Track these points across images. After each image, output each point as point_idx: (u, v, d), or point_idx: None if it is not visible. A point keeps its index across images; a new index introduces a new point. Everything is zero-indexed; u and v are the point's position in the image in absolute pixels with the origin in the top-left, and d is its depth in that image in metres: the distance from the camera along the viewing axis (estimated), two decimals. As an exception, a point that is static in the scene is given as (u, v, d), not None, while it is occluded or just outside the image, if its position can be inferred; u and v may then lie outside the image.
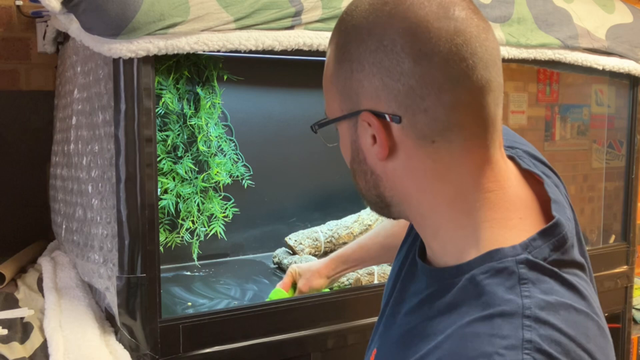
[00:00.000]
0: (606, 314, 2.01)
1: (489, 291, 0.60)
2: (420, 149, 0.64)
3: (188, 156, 1.52)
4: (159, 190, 1.32)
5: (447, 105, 0.62)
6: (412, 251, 0.80)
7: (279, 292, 1.28)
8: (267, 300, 1.28)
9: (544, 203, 0.67)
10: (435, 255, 0.70)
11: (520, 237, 0.62)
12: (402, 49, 0.62)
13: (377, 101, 0.64)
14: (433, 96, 0.62)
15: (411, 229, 0.86)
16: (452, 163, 0.64)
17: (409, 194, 0.68)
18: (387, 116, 0.64)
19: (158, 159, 1.44)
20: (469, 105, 0.63)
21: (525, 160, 0.72)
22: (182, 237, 1.54)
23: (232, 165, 1.61)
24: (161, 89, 1.45)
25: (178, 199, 1.52)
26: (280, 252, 1.63)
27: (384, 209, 0.72)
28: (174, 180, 1.51)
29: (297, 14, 1.20)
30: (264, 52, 1.17)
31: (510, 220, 0.64)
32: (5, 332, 1.18)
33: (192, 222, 1.54)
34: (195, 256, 1.56)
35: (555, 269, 0.61)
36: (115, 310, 1.15)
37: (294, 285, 1.29)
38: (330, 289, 1.34)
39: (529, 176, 0.70)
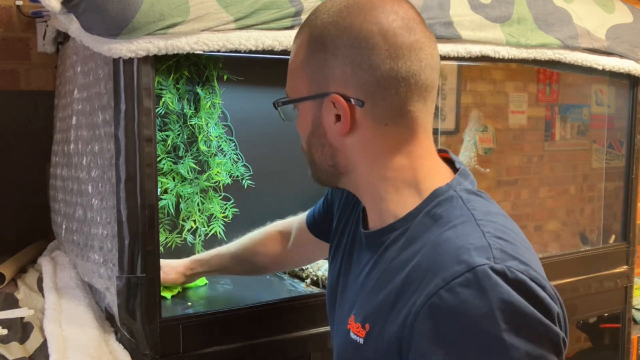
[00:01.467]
0: (606, 314, 2.02)
1: (444, 214, 0.78)
2: (375, 129, 0.81)
3: (189, 156, 1.52)
4: (159, 190, 1.32)
5: (401, 97, 0.79)
6: (345, 237, 0.98)
7: None
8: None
9: (451, 164, 0.88)
10: (384, 216, 0.85)
11: (447, 181, 0.82)
12: (373, 48, 0.78)
13: (345, 87, 0.80)
14: (392, 89, 0.79)
15: (335, 227, 1.03)
16: (400, 141, 0.82)
17: (362, 165, 0.84)
18: (353, 100, 0.80)
19: (158, 159, 1.44)
20: (417, 98, 0.81)
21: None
22: (185, 238, 1.54)
23: (232, 165, 1.61)
24: (161, 89, 1.45)
25: (179, 199, 1.52)
26: (280, 252, 1.63)
27: (334, 176, 0.88)
28: (174, 180, 1.51)
29: (297, 14, 1.20)
30: (264, 52, 1.17)
31: (439, 173, 0.84)
32: (5, 332, 1.18)
33: (194, 222, 1.54)
34: (196, 256, 1.56)
35: (480, 193, 0.83)
36: (115, 310, 1.15)
37: None
38: (184, 288, 1.41)
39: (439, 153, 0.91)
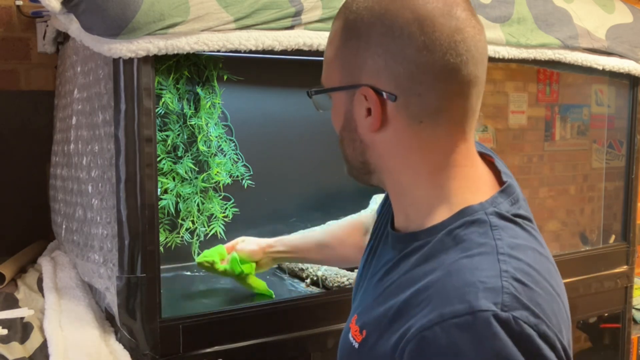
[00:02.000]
0: (606, 314, 2.02)
1: (466, 238, 0.70)
2: (408, 126, 0.74)
3: (188, 156, 1.52)
4: (159, 190, 1.32)
5: (438, 92, 0.72)
6: (378, 233, 0.91)
7: (220, 247, 1.35)
8: (202, 256, 1.33)
9: (496, 175, 0.80)
10: (410, 221, 0.79)
11: (484, 198, 0.74)
12: (408, 37, 0.70)
13: (377, 79, 0.73)
14: (428, 83, 0.71)
15: (376, 219, 0.97)
16: (435, 142, 0.75)
17: (392, 165, 0.78)
18: (384, 94, 0.73)
19: (158, 159, 1.44)
20: (457, 95, 0.73)
21: (477, 146, 0.83)
22: (182, 237, 1.54)
23: (232, 165, 1.61)
24: (161, 89, 1.45)
25: (178, 199, 1.52)
26: (280, 252, 1.63)
27: (365, 174, 0.82)
28: (174, 180, 1.51)
29: (297, 14, 1.20)
30: (264, 52, 1.17)
31: (475, 187, 0.76)
32: (5, 332, 1.18)
33: (192, 222, 1.54)
34: (195, 255, 1.56)
35: (517, 219, 0.74)
36: (115, 310, 1.15)
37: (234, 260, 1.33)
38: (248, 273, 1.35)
39: (483, 157, 0.83)
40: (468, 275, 0.66)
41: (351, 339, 0.80)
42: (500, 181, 0.79)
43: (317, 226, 1.35)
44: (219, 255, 1.33)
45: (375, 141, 0.77)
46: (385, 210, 0.94)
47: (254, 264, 1.34)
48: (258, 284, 1.36)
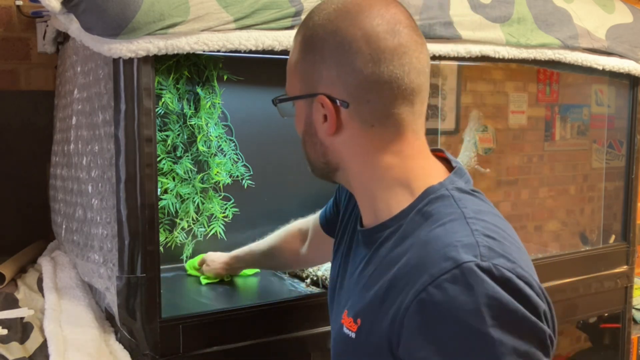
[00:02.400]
0: (606, 314, 2.02)
1: (435, 212, 0.79)
2: (361, 130, 0.83)
3: (188, 156, 1.52)
4: (158, 190, 1.32)
5: (385, 100, 0.81)
6: (347, 236, 0.99)
7: (197, 257, 1.54)
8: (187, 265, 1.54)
9: (447, 163, 0.89)
10: (378, 215, 0.86)
11: (440, 180, 0.83)
12: (356, 52, 0.79)
13: (332, 88, 0.82)
14: (375, 92, 0.80)
15: (339, 225, 1.05)
16: (387, 142, 0.83)
17: (352, 164, 0.86)
18: (338, 101, 0.82)
19: (158, 159, 1.44)
20: (402, 102, 0.81)
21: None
22: (177, 236, 1.54)
23: (232, 165, 1.61)
24: (161, 89, 1.45)
25: (178, 199, 1.52)
26: (280, 252, 1.63)
27: (329, 173, 0.90)
28: (173, 180, 1.51)
29: (297, 14, 1.20)
30: (264, 52, 1.17)
31: (430, 172, 0.85)
32: (5, 332, 1.18)
33: (188, 222, 1.54)
34: (184, 256, 1.56)
35: (474, 192, 0.84)
36: (115, 310, 1.15)
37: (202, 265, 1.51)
38: (224, 279, 1.50)
39: (434, 153, 0.91)
40: (445, 238, 0.74)
41: (346, 331, 0.84)
42: (450, 168, 0.88)
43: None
44: (193, 266, 1.54)
45: (333, 143, 0.85)
46: (348, 214, 1.03)
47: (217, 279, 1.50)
48: (246, 272, 1.55)
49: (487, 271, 0.70)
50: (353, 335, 0.82)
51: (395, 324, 0.74)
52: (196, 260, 1.52)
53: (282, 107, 0.92)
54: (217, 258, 1.47)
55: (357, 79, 0.80)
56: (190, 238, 1.56)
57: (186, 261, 1.56)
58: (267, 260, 1.39)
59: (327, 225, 1.20)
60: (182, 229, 1.54)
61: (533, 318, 0.70)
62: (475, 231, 0.74)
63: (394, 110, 0.81)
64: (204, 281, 1.47)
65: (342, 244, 1.01)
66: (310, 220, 1.30)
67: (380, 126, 0.82)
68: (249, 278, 1.53)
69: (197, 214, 1.55)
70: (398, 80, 0.80)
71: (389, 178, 0.84)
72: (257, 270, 1.55)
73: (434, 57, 1.39)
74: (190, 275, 1.52)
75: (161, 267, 1.16)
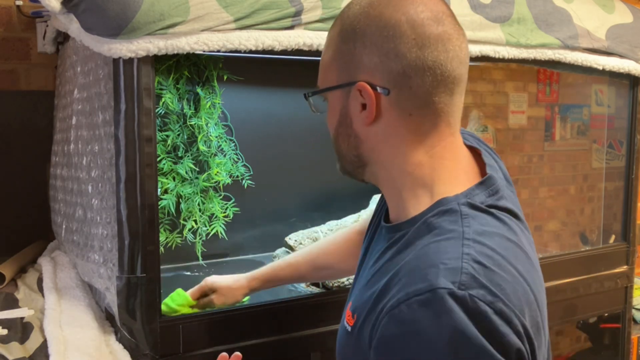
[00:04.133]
0: (606, 314, 2.02)
1: (438, 226, 0.76)
2: (399, 119, 0.81)
3: (188, 156, 1.52)
4: (159, 190, 1.32)
5: (427, 87, 0.79)
6: (374, 228, 0.97)
7: (180, 292, 1.23)
8: (165, 302, 1.21)
9: (483, 168, 0.85)
10: (400, 212, 0.84)
11: (462, 190, 0.80)
12: (400, 36, 0.77)
13: (372, 75, 0.80)
14: (418, 77, 0.78)
15: (372, 216, 1.02)
16: (422, 134, 0.81)
17: (383, 157, 0.84)
18: (378, 88, 0.80)
19: (158, 159, 1.44)
20: (443, 90, 0.79)
21: (469, 140, 0.91)
22: (185, 237, 1.54)
23: (232, 165, 1.61)
24: (161, 89, 1.45)
25: (180, 199, 1.52)
26: (280, 252, 1.62)
27: (358, 168, 0.87)
28: (174, 180, 1.51)
29: (297, 14, 1.20)
30: (264, 52, 1.17)
31: (456, 179, 0.81)
32: (5, 332, 1.18)
33: (195, 222, 1.54)
34: (199, 254, 1.56)
35: (491, 209, 0.79)
36: (115, 310, 1.15)
37: (203, 296, 1.25)
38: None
39: (472, 151, 0.89)
40: (433, 257, 0.72)
41: (345, 324, 0.85)
42: (484, 173, 0.84)
43: (312, 244, 1.32)
44: (187, 304, 1.23)
45: (369, 134, 0.83)
46: (380, 206, 1.00)
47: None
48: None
49: (460, 300, 0.67)
50: (349, 328, 0.83)
51: (374, 328, 0.75)
52: (182, 297, 1.22)
53: (315, 101, 0.89)
54: (232, 283, 1.26)
55: (401, 63, 0.78)
56: (198, 238, 1.56)
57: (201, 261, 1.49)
58: (319, 272, 1.29)
59: None
60: (189, 229, 1.54)
61: (498, 356, 0.67)
62: (466, 255, 0.71)
63: (434, 98, 0.79)
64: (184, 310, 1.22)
65: (367, 236, 1.00)
66: (365, 221, 1.23)
67: (418, 115, 0.80)
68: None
69: (200, 214, 1.55)
70: (441, 66, 0.78)
71: (416, 176, 0.82)
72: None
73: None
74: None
75: (161, 267, 1.16)
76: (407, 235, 0.80)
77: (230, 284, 1.26)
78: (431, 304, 0.68)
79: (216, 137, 1.56)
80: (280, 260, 1.30)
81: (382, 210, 0.97)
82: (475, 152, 0.88)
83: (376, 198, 1.53)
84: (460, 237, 0.74)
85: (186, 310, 1.21)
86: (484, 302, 0.68)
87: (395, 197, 0.85)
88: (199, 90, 1.52)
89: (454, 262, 0.70)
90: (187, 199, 1.53)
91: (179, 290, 1.23)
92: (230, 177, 1.60)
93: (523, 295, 0.72)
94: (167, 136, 1.49)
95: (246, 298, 1.29)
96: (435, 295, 0.68)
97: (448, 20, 0.80)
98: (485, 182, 0.81)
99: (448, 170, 0.82)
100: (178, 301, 1.21)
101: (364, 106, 0.81)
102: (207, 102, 1.53)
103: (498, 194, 0.82)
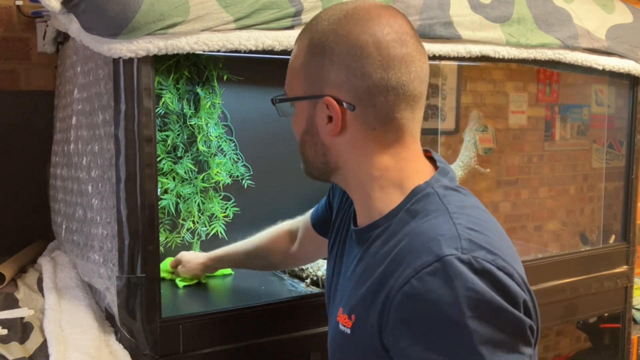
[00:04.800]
0: (606, 314, 2.02)
1: (421, 210, 0.83)
2: (363, 132, 0.86)
3: (188, 156, 1.52)
4: (159, 190, 1.32)
5: (390, 104, 0.84)
6: (341, 236, 1.02)
7: (166, 261, 1.48)
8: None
9: (433, 163, 0.93)
10: (371, 213, 0.89)
11: (426, 179, 0.87)
12: (367, 57, 0.83)
13: (338, 91, 0.85)
14: (382, 96, 0.84)
15: (333, 229, 1.08)
16: (385, 144, 0.87)
17: (351, 164, 0.89)
18: (344, 104, 0.85)
19: (158, 159, 1.44)
20: (405, 107, 0.85)
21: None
22: (183, 237, 1.54)
23: (232, 165, 1.61)
24: (161, 89, 1.45)
25: (178, 199, 1.52)
26: (280, 252, 1.63)
27: (326, 173, 0.92)
28: (174, 180, 1.51)
29: (297, 14, 1.20)
30: (264, 52, 1.17)
31: (421, 174, 0.88)
32: (5, 332, 1.18)
33: (193, 222, 1.54)
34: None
35: (458, 189, 0.87)
36: (115, 310, 1.15)
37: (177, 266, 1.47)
38: (200, 280, 1.47)
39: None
40: (429, 233, 0.78)
41: (342, 328, 0.87)
42: (436, 167, 0.92)
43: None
44: (167, 270, 1.47)
45: (335, 144, 0.88)
46: (342, 214, 1.06)
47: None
48: (222, 272, 1.53)
49: (467, 264, 0.73)
50: (348, 331, 0.85)
51: (384, 314, 0.77)
52: (167, 262, 1.47)
53: (281, 107, 0.95)
54: (193, 258, 1.44)
55: (366, 83, 0.83)
56: (195, 238, 1.56)
57: None
58: (252, 261, 1.39)
59: (319, 224, 1.22)
60: (188, 229, 1.54)
61: (511, 309, 0.72)
62: (459, 225, 0.78)
63: (397, 115, 0.85)
64: (180, 284, 1.43)
65: (336, 243, 1.04)
66: (300, 221, 1.33)
67: (381, 129, 0.86)
68: (237, 277, 1.52)
69: (199, 214, 1.55)
70: (404, 86, 0.84)
71: (384, 178, 0.87)
72: (232, 272, 1.54)
73: (434, 57, 1.39)
74: (163, 279, 1.45)
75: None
76: (390, 228, 0.84)
77: (191, 258, 1.43)
78: (441, 272, 0.73)
79: (216, 137, 1.56)
80: (232, 245, 1.42)
81: (344, 218, 1.04)
82: (426, 155, 0.95)
83: None
84: (446, 212, 0.80)
85: (166, 275, 1.46)
86: (487, 261, 0.73)
87: (365, 199, 0.90)
88: (199, 90, 1.52)
89: (451, 232, 0.77)
90: (187, 199, 1.53)
91: (168, 259, 1.49)
92: (230, 177, 1.60)
93: (512, 253, 0.80)
94: (167, 136, 1.49)
95: (220, 272, 1.51)
96: (444, 263, 0.73)
97: (411, 41, 0.85)
98: (442, 171, 0.89)
99: (415, 169, 0.89)
100: (163, 267, 1.44)
101: (330, 118, 0.86)
102: (207, 102, 1.53)
103: (454, 179, 0.91)
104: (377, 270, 0.82)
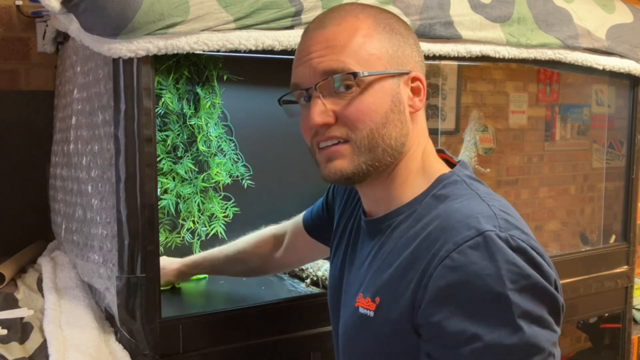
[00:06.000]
0: (606, 314, 2.02)
1: (450, 194, 0.85)
2: (423, 111, 0.92)
3: (188, 156, 1.52)
4: (159, 190, 1.32)
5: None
6: (350, 232, 1.02)
7: None
8: None
9: (445, 159, 0.97)
10: (393, 201, 0.90)
11: (449, 170, 0.91)
12: (417, 43, 0.91)
13: (419, 69, 0.89)
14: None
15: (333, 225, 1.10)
16: (424, 126, 0.93)
17: (413, 149, 0.90)
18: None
19: (158, 159, 1.44)
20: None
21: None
22: (183, 237, 1.54)
23: (232, 165, 1.61)
24: (161, 89, 1.45)
25: (178, 199, 1.52)
26: (280, 252, 1.63)
27: (395, 160, 0.88)
28: (174, 180, 1.51)
29: (297, 13, 1.19)
30: (264, 52, 1.17)
31: (440, 161, 0.94)
32: (5, 332, 1.18)
33: (193, 222, 1.54)
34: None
35: (480, 181, 0.90)
36: (115, 310, 1.15)
37: None
38: (175, 285, 1.44)
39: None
40: (466, 210, 0.80)
41: (363, 311, 0.87)
42: (452, 162, 0.95)
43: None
44: None
45: (414, 123, 0.90)
46: (349, 213, 1.05)
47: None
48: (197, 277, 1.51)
49: (505, 241, 0.75)
50: (372, 313, 0.85)
51: (418, 292, 0.78)
52: None
53: (287, 108, 0.97)
54: (167, 264, 1.40)
55: (424, 64, 0.91)
56: (195, 238, 1.56)
57: None
58: (232, 266, 1.36)
59: (314, 228, 1.22)
60: (187, 229, 1.54)
61: (548, 285, 0.75)
62: (492, 206, 0.80)
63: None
64: None
65: (343, 240, 1.03)
66: (287, 225, 1.32)
67: (422, 109, 0.92)
68: (235, 278, 1.51)
69: (199, 214, 1.55)
70: (424, 66, 0.93)
71: (423, 161, 0.91)
72: (206, 276, 1.51)
73: (434, 57, 1.39)
74: None
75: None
76: (416, 212, 0.86)
77: (165, 264, 1.38)
78: (483, 246, 0.75)
79: (216, 137, 1.56)
80: (210, 250, 1.40)
81: (352, 215, 1.04)
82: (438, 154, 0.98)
83: None
84: (477, 196, 0.84)
85: None
86: (521, 240, 0.76)
87: (394, 187, 0.91)
88: (198, 90, 1.52)
89: (486, 211, 0.80)
90: (187, 199, 1.53)
91: None
92: (230, 177, 1.60)
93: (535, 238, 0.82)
94: (167, 136, 1.49)
95: (195, 277, 1.48)
96: (485, 238, 0.75)
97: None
98: (463, 164, 0.93)
99: (435, 156, 0.94)
100: None
101: (417, 92, 0.89)
102: (207, 102, 1.53)
103: (473, 173, 0.93)
104: (405, 251, 0.83)
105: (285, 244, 1.31)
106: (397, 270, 0.82)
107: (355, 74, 0.83)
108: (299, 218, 1.28)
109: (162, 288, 1.35)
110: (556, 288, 0.77)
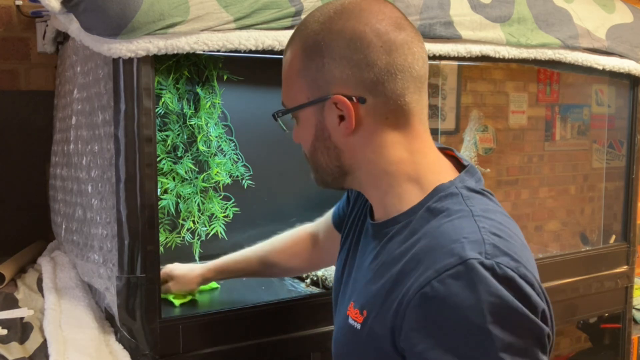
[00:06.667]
0: (606, 314, 2.02)
1: (444, 209, 0.81)
2: (376, 124, 0.84)
3: (188, 156, 1.52)
4: (159, 190, 1.31)
5: (399, 89, 0.83)
6: (355, 231, 1.00)
7: None
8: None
9: (455, 162, 0.92)
10: (388, 209, 0.88)
11: (450, 179, 0.85)
12: (368, 45, 0.81)
13: (346, 87, 0.83)
14: (391, 82, 0.82)
15: (345, 223, 1.06)
16: (399, 134, 0.85)
17: (365, 163, 0.87)
18: (354, 98, 0.83)
19: (158, 159, 1.44)
20: (413, 90, 0.84)
21: (438, 143, 0.96)
22: (183, 237, 1.54)
23: (232, 165, 1.61)
24: (161, 89, 1.45)
25: (178, 199, 1.52)
26: (280, 252, 1.62)
27: (340, 178, 0.90)
28: (174, 180, 1.51)
29: (297, 13, 1.19)
30: (264, 52, 1.17)
31: (440, 169, 0.87)
32: (5, 332, 1.18)
33: (193, 222, 1.54)
34: (197, 256, 1.56)
35: (484, 192, 0.86)
36: (115, 310, 1.15)
37: (164, 282, 1.30)
38: (194, 296, 1.34)
39: (442, 151, 0.94)
40: (452, 234, 0.76)
41: (351, 322, 0.86)
42: (460, 166, 0.90)
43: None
44: None
45: (348, 144, 0.86)
46: (358, 208, 1.04)
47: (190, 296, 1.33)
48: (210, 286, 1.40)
49: (490, 269, 0.71)
50: (358, 326, 0.84)
51: (398, 315, 0.76)
52: None
53: (284, 119, 0.93)
54: (187, 272, 1.31)
55: (373, 72, 0.81)
56: (195, 238, 1.56)
57: (199, 262, 1.50)
58: (269, 268, 1.31)
59: (341, 223, 1.18)
60: (187, 229, 1.54)
61: (532, 316, 0.72)
62: (482, 228, 0.76)
63: (407, 99, 0.84)
64: (176, 302, 1.29)
65: (349, 236, 1.02)
66: (319, 223, 1.29)
67: (393, 117, 0.84)
68: (235, 279, 1.49)
69: (199, 214, 1.55)
70: (410, 67, 0.83)
71: (400, 173, 0.86)
72: (217, 286, 1.42)
73: (434, 57, 1.39)
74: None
75: (161, 267, 1.16)
76: (411, 225, 0.83)
77: (185, 272, 1.31)
78: (464, 275, 0.71)
79: (216, 137, 1.55)
80: (237, 253, 1.33)
81: (359, 214, 1.02)
82: (445, 152, 0.93)
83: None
84: (470, 214, 0.79)
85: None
86: (510, 268, 0.72)
87: (381, 197, 0.89)
88: (198, 90, 1.52)
89: (474, 235, 0.75)
90: (187, 199, 1.53)
91: None
92: (230, 177, 1.60)
93: (532, 260, 0.79)
94: (167, 136, 1.49)
95: (204, 287, 1.37)
96: (467, 266, 0.71)
97: (406, 24, 0.84)
98: (470, 170, 0.88)
99: (431, 163, 0.87)
100: None
101: (341, 118, 0.84)
102: (207, 102, 1.53)
103: (481, 180, 0.89)
104: (393, 268, 0.81)
105: (321, 241, 1.27)
106: (384, 287, 0.81)
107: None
108: (328, 214, 1.25)
109: (182, 300, 1.30)
110: (545, 317, 0.74)
